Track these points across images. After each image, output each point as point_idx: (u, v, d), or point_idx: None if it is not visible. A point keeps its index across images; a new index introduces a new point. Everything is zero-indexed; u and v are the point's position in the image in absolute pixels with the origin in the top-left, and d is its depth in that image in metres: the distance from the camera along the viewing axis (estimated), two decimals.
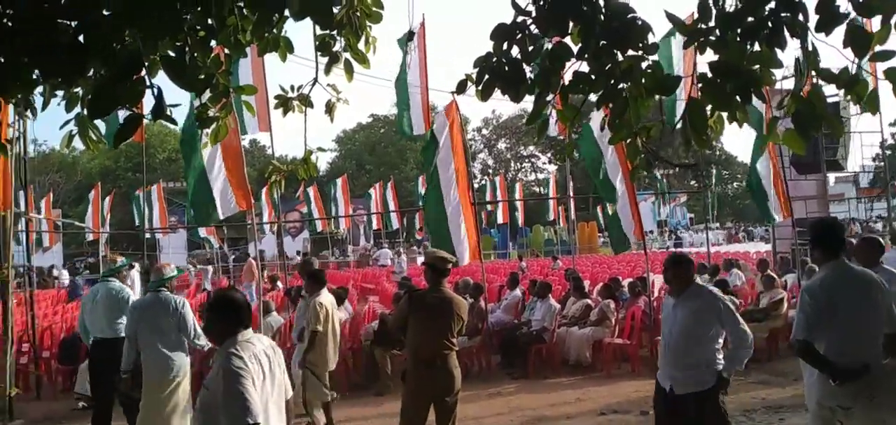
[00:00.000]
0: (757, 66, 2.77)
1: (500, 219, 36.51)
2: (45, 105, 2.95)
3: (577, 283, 11.33)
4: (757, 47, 2.80)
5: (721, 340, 4.63)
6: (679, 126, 2.89)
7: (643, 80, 3.00)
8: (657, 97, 3.15)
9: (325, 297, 7.07)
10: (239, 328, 3.37)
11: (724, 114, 2.97)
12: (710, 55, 2.89)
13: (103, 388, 6.81)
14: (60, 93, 3.19)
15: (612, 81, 3.04)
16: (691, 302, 4.63)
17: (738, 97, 2.72)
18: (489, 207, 35.32)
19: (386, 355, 9.07)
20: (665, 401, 4.69)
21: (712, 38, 2.85)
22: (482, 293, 10.37)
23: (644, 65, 3.00)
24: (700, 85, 2.71)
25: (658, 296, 12.21)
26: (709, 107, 2.81)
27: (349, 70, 3.94)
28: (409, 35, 10.93)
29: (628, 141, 3.30)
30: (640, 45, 2.94)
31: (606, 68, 3.01)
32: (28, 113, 3.58)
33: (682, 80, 3.12)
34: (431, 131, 10.47)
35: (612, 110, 3.12)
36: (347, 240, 37.59)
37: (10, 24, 1.97)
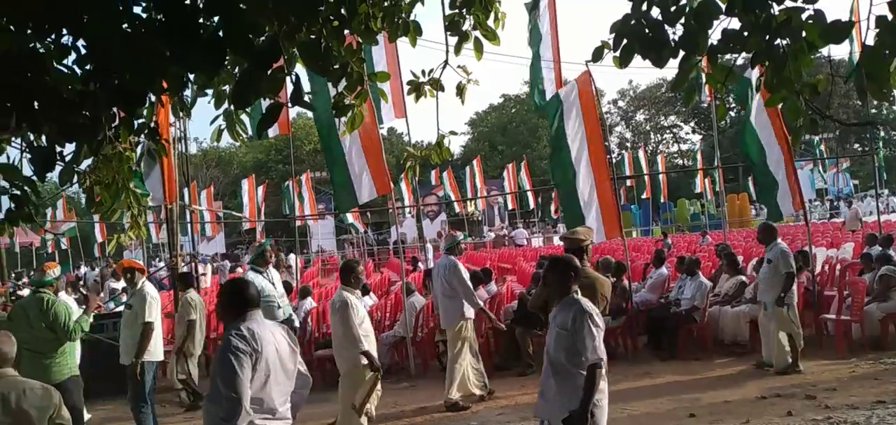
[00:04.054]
0: None
1: (644, 194, 35.27)
2: (193, 102, 3.14)
3: (731, 259, 10.60)
4: None
5: None
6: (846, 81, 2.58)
7: (804, 32, 2.70)
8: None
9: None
10: None
11: None
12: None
13: None
14: (209, 91, 3.40)
15: (768, 37, 2.76)
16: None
17: None
18: (628, 182, 34.20)
19: (527, 335, 9.01)
20: None
21: None
22: (625, 272, 9.98)
23: (804, 15, 2.70)
24: (877, 30, 2.39)
25: (821, 270, 11.22)
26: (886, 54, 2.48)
27: (478, 48, 3.89)
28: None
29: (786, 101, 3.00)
30: None
31: (760, 22, 2.74)
32: (182, 113, 3.86)
33: (853, 25, 2.76)
34: (557, 95, 10.16)
35: (768, 68, 2.84)
36: (483, 222, 37.83)
37: (156, 22, 2.11)
